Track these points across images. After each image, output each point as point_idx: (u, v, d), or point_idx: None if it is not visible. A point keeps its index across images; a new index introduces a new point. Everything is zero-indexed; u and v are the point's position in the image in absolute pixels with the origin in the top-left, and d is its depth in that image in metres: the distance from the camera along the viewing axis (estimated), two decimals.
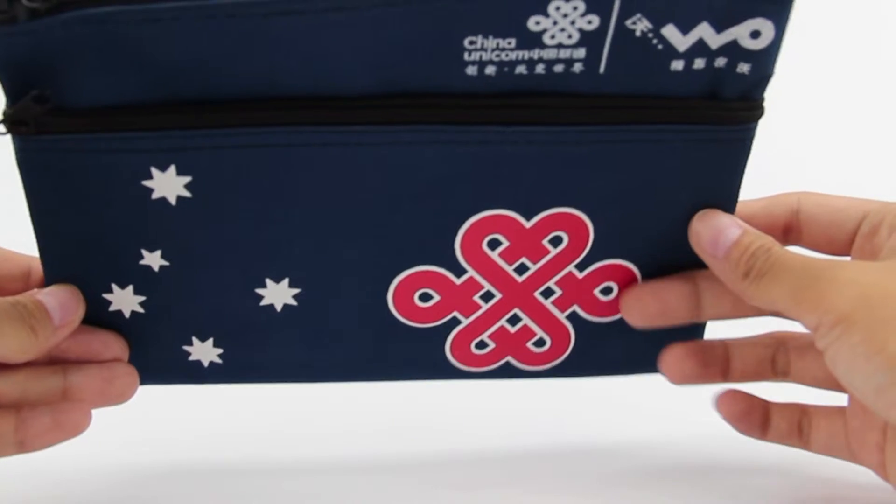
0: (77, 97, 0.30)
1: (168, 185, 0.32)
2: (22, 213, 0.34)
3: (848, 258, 0.36)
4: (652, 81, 0.31)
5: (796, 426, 0.38)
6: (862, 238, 0.35)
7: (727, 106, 0.32)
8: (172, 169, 0.32)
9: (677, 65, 0.31)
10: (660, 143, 0.33)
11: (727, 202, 0.35)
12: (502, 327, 0.38)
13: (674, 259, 0.36)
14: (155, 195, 0.32)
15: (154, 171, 0.32)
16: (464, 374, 0.39)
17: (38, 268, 0.36)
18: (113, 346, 0.36)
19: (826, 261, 0.33)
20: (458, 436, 0.43)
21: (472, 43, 0.30)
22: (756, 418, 0.38)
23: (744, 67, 0.31)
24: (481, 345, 0.38)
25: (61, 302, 0.34)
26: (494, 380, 0.40)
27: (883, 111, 0.75)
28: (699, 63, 0.31)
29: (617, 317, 0.38)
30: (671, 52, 0.31)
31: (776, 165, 0.49)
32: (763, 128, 0.34)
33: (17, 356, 0.33)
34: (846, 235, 0.36)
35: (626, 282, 0.37)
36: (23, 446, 0.35)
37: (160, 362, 0.37)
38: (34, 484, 0.38)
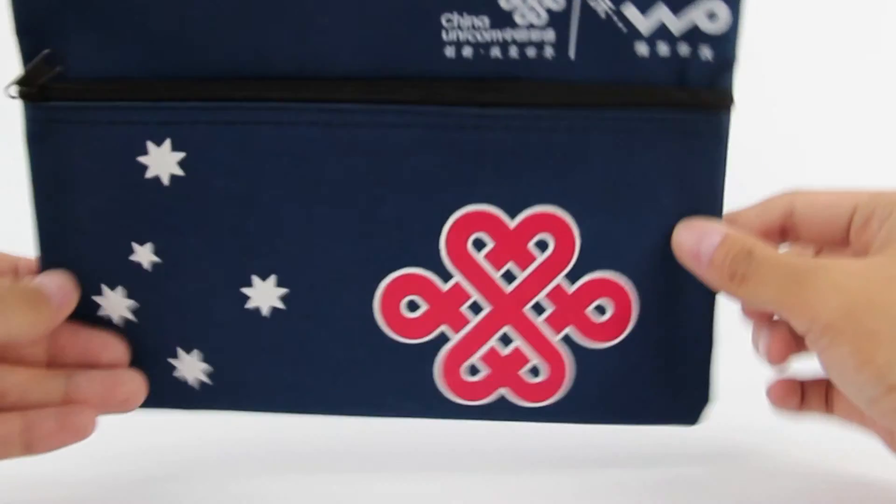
0: (80, 68, 0.33)
1: (162, 161, 0.34)
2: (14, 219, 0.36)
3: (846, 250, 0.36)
4: (621, 68, 0.33)
5: (824, 398, 0.38)
6: (855, 232, 0.35)
7: (695, 92, 0.34)
8: (168, 143, 0.34)
9: (642, 49, 0.33)
10: (632, 131, 0.34)
11: (711, 205, 0.35)
12: (493, 348, 0.36)
13: (666, 275, 0.36)
14: (149, 173, 0.34)
15: (150, 145, 0.34)
16: (457, 408, 0.37)
17: (25, 266, 0.37)
18: (112, 347, 0.36)
19: (810, 262, 0.32)
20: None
21: (448, 21, 0.32)
22: (796, 398, 0.38)
23: (706, 53, 0.33)
24: (473, 370, 0.37)
25: (58, 284, 0.35)
26: (491, 420, 0.37)
27: (870, 101, 0.76)
28: (664, 49, 0.33)
29: (613, 342, 0.36)
30: (635, 34, 0.33)
31: (773, 164, 0.49)
32: (756, 128, 0.35)
33: (25, 333, 0.33)
34: (841, 231, 0.35)
35: (620, 299, 0.36)
36: (29, 448, 0.34)
37: (148, 378, 0.36)
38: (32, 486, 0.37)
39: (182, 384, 0.37)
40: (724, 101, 0.34)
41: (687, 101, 0.34)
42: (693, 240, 0.34)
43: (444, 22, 0.32)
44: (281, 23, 0.33)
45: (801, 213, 0.36)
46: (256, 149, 0.34)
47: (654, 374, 0.37)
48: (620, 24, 0.33)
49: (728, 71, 0.34)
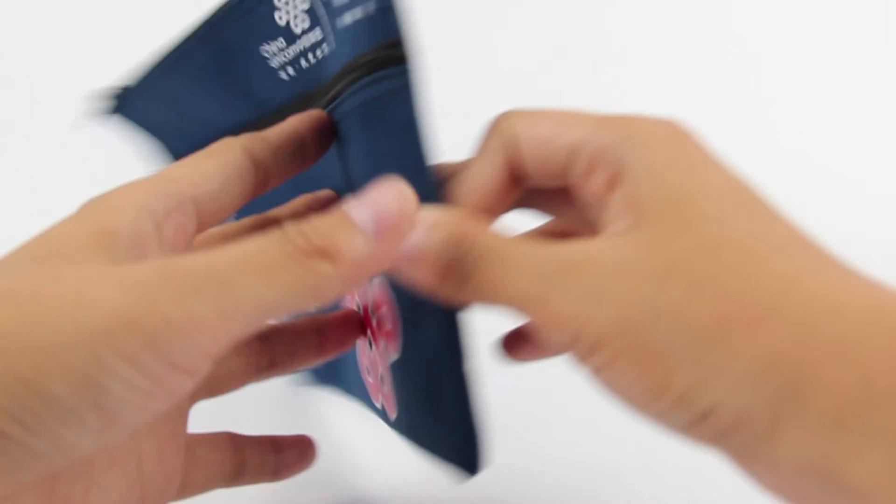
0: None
1: None
2: None
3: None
4: (351, 41, 0.30)
5: None
6: (580, 182, 0.25)
7: (368, 54, 0.29)
8: None
9: (348, 18, 0.29)
10: (351, 111, 0.30)
11: (420, 185, 0.26)
12: (368, 354, 0.36)
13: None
14: None
15: None
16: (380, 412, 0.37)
17: None
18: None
19: (559, 256, 0.23)
20: None
21: (265, 51, 0.36)
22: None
23: (371, 5, 0.28)
24: (368, 371, 0.37)
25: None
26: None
27: None
28: (358, 12, 0.29)
29: (396, 357, 0.31)
30: (342, 5, 0.30)
31: None
32: None
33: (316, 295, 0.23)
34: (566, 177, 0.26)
35: (388, 310, 0.31)
36: (275, 475, 0.35)
37: None
38: None
39: None
40: (394, 56, 0.28)
41: (369, 60, 0.29)
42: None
43: (263, 53, 0.36)
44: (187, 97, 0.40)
45: (525, 153, 0.26)
46: None
47: (424, 402, 0.30)
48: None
49: (386, 19, 0.27)
